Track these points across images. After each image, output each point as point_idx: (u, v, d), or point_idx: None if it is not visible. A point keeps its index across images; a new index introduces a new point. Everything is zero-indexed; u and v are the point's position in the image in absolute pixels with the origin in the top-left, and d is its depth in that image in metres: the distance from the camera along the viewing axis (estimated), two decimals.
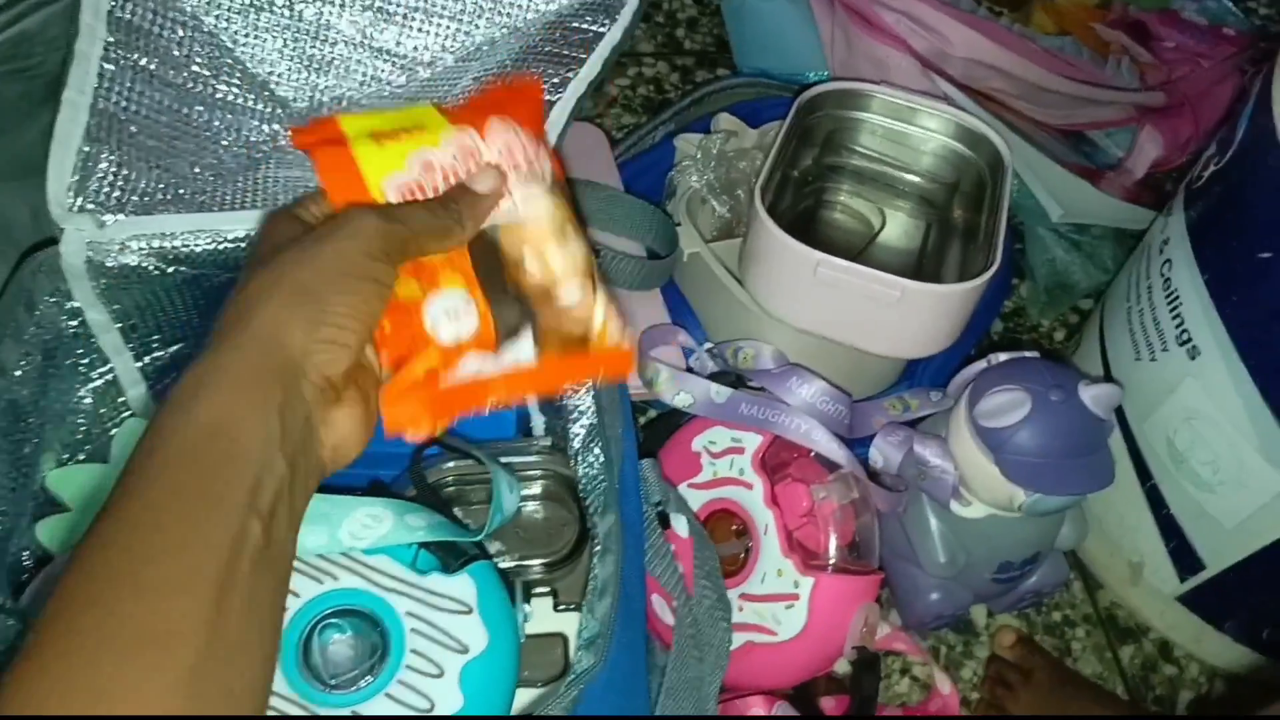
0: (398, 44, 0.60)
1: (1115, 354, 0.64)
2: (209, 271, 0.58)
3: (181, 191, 0.57)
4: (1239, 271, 0.54)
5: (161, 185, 0.56)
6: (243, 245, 0.58)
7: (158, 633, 0.26)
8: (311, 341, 0.33)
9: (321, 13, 0.58)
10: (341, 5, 0.58)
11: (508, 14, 0.60)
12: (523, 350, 0.40)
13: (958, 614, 0.65)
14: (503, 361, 0.39)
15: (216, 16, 0.57)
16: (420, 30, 0.60)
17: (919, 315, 0.60)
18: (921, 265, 0.71)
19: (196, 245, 0.57)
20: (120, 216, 0.55)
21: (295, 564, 0.45)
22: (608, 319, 0.41)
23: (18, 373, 0.50)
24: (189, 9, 0.56)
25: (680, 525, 0.54)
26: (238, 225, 0.58)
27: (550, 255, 0.40)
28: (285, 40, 0.58)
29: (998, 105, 0.86)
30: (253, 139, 0.59)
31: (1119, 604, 0.71)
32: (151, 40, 0.55)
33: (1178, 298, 0.57)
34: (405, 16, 0.59)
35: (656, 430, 0.66)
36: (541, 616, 0.53)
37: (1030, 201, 0.84)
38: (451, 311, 0.38)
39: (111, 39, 0.54)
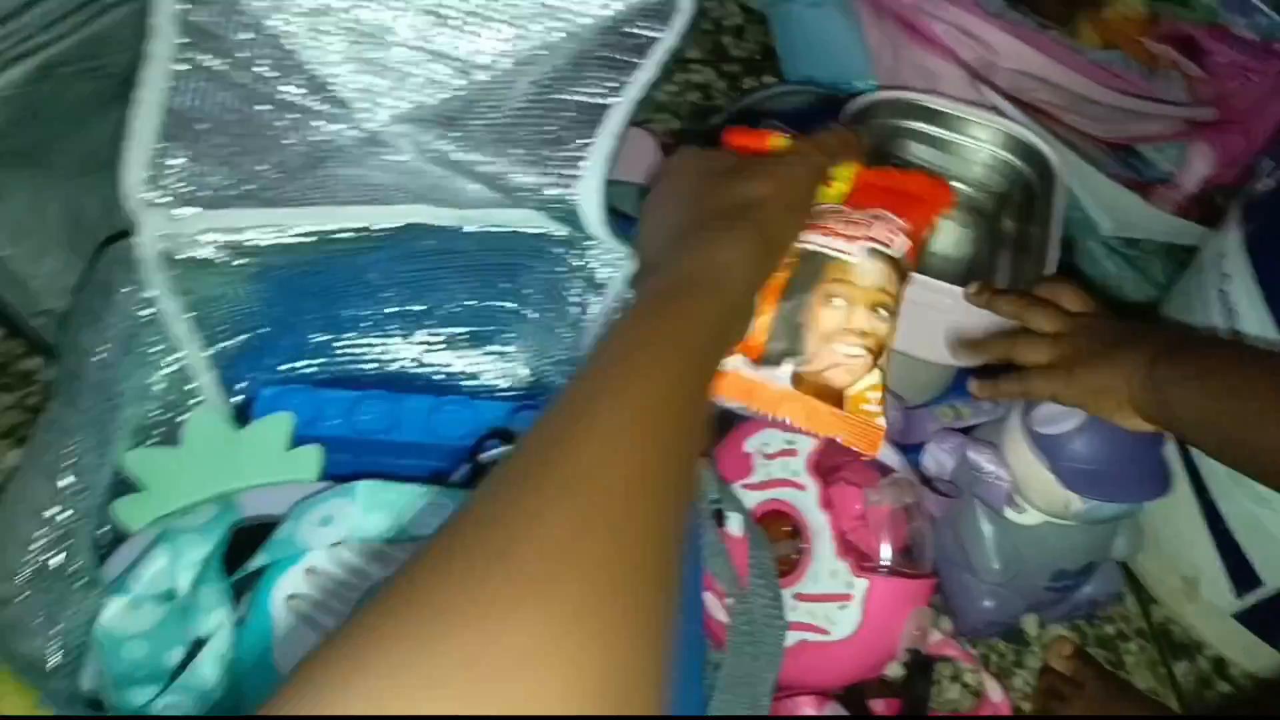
0: (454, 48, 0.61)
1: None
2: (274, 264, 0.59)
3: (249, 187, 0.58)
4: None
5: (230, 181, 0.58)
6: (307, 240, 0.59)
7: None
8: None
9: (380, 17, 0.60)
10: (399, 10, 0.60)
11: (563, 19, 0.61)
12: (779, 375, 0.42)
13: (1011, 622, 0.65)
14: (759, 373, 0.42)
15: (282, 20, 0.58)
16: (476, 34, 0.61)
17: (970, 323, 0.60)
18: (972, 274, 0.71)
19: (263, 239, 0.59)
20: (192, 210, 0.57)
21: (363, 547, 0.46)
22: (873, 392, 0.42)
23: (97, 358, 0.51)
24: (254, 12, 0.57)
25: (735, 524, 0.55)
26: (302, 221, 0.59)
27: (855, 311, 0.42)
28: (346, 43, 0.59)
29: (1046, 117, 0.86)
30: (315, 139, 0.60)
31: (1173, 619, 0.70)
32: (219, 43, 0.57)
33: (1236, 313, 0.57)
34: (462, 21, 0.60)
35: (709, 430, 0.66)
36: None
37: (1079, 214, 0.84)
38: None
39: (181, 41, 0.55)
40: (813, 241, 0.44)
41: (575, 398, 0.29)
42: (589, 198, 0.53)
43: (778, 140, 0.48)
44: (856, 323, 0.42)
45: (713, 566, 0.51)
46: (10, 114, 0.58)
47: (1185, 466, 0.63)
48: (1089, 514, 0.55)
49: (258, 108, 0.58)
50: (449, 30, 0.60)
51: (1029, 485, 0.57)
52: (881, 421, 0.41)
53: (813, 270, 0.43)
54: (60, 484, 0.46)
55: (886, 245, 0.44)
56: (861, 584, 0.56)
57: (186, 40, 0.55)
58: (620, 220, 0.55)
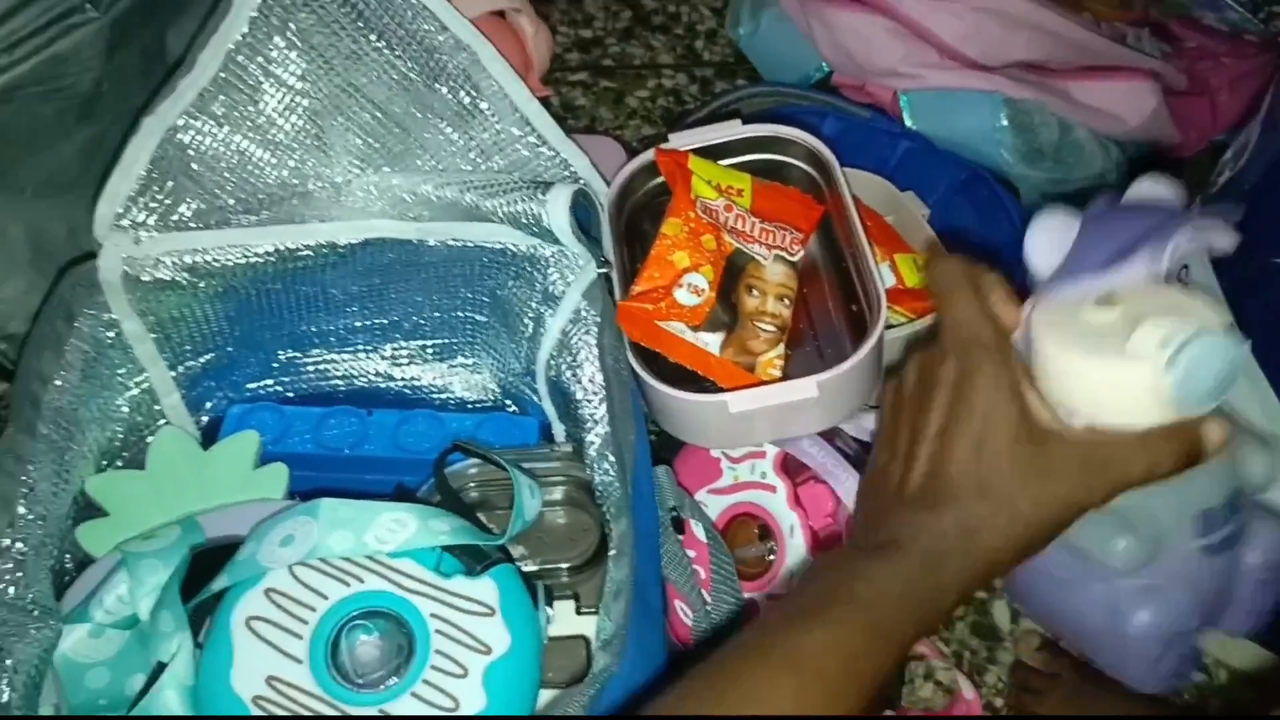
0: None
1: None
2: (238, 283, 0.59)
3: (218, 214, 0.58)
4: (1253, 277, 0.54)
5: (203, 209, 0.58)
6: (270, 258, 0.59)
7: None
8: None
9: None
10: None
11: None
12: (711, 342, 0.57)
13: (1189, 648, 0.51)
14: (696, 337, 0.57)
15: (318, 99, 0.57)
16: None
17: (852, 386, 0.56)
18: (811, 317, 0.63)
19: (227, 259, 0.59)
20: (159, 235, 0.57)
21: (323, 566, 0.46)
22: (774, 362, 0.57)
23: (58, 381, 0.51)
24: (295, 83, 0.56)
25: (698, 531, 0.55)
26: (265, 240, 0.59)
27: (769, 300, 0.59)
28: (367, 142, 0.58)
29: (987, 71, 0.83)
30: (294, 179, 0.59)
31: None
32: (252, 94, 0.56)
33: None
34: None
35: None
36: (564, 619, 0.53)
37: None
38: (694, 287, 0.57)
39: (212, 86, 0.55)
40: (742, 245, 0.59)
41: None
42: (558, 208, 0.54)
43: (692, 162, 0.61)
44: (769, 307, 0.58)
45: (673, 576, 0.52)
46: None
47: None
48: (1186, 378, 0.36)
49: (260, 153, 0.57)
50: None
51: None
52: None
53: (741, 265, 0.59)
54: (16, 513, 0.46)
55: (788, 252, 0.60)
56: None
57: (221, 80, 0.55)
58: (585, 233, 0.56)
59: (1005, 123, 0.80)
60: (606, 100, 0.96)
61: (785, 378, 0.57)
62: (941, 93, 0.81)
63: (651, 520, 0.52)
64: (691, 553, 0.55)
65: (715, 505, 0.60)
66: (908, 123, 0.82)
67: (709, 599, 0.54)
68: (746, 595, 0.57)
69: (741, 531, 0.60)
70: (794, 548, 0.57)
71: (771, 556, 0.59)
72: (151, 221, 0.57)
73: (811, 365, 0.61)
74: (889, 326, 0.62)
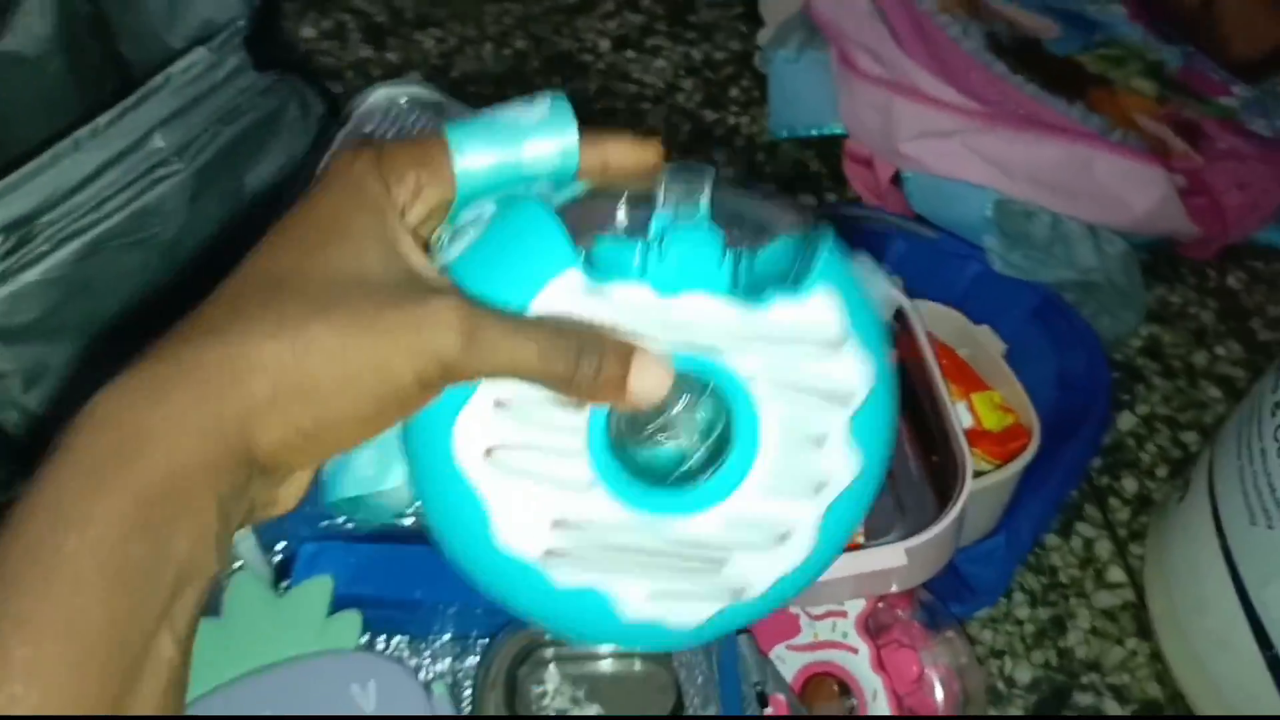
0: None
1: (1228, 514, 0.62)
2: None
3: None
4: None
5: None
6: None
7: None
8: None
9: None
10: None
11: None
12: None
13: None
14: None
15: None
16: None
17: (939, 549, 0.54)
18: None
19: None
20: None
21: None
22: None
23: None
24: None
25: (780, 703, 0.53)
26: None
27: None
28: None
29: None
30: None
31: None
32: None
33: None
34: None
35: None
36: None
37: None
38: None
39: None
40: None
41: None
42: None
43: None
44: None
45: None
46: (61, 293, 0.59)
47: (1248, 620, 0.60)
48: None
49: None
50: None
51: None
52: None
53: None
54: None
55: None
56: None
57: None
58: None
59: (991, 214, 0.81)
60: None
61: (866, 532, 0.56)
62: (938, 179, 0.83)
63: (735, 694, 0.50)
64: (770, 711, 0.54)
65: (793, 662, 0.59)
66: (911, 205, 0.83)
67: None
68: None
69: (821, 689, 0.58)
70: (877, 711, 0.55)
71: (850, 712, 0.57)
72: None
73: (889, 518, 0.60)
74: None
